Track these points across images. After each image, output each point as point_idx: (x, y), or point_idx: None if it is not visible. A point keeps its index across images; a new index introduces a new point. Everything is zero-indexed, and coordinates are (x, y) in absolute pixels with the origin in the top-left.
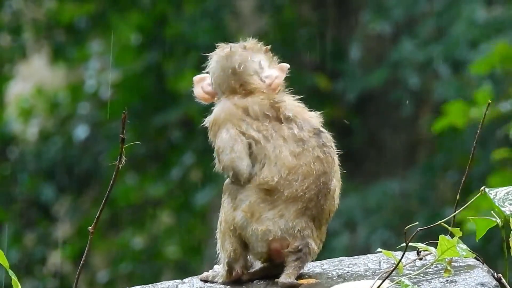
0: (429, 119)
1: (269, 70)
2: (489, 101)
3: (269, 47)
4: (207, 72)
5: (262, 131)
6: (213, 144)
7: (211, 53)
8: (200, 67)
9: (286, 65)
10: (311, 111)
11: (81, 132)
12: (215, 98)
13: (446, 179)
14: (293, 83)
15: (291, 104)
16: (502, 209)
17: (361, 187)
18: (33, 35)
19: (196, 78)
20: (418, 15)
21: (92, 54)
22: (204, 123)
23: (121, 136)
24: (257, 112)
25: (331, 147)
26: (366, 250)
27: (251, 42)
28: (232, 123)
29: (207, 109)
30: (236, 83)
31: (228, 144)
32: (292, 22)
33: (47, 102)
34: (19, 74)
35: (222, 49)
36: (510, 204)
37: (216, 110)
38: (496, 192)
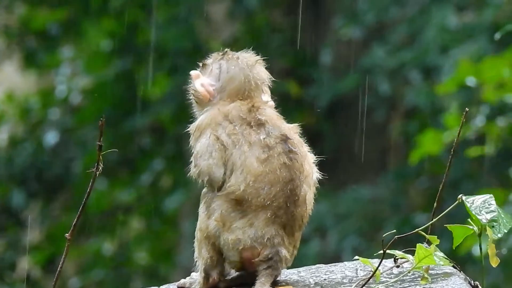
0: (400, 125)
1: (267, 89)
2: (467, 109)
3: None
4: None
5: (232, 135)
6: (191, 149)
7: (215, 56)
8: (171, 72)
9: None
10: (288, 122)
11: (51, 138)
12: (209, 100)
13: (417, 185)
14: None
15: (269, 111)
16: (479, 217)
17: (332, 193)
18: (4, 41)
19: (194, 73)
20: (390, 21)
21: (63, 60)
22: (188, 129)
23: (98, 143)
24: (234, 115)
25: (298, 153)
26: (337, 256)
27: (259, 57)
28: (211, 128)
29: (177, 116)
30: (250, 93)
31: (207, 149)
32: (264, 28)
33: (18, 107)
34: None
35: (238, 57)
36: (487, 213)
37: (202, 116)
38: (473, 200)
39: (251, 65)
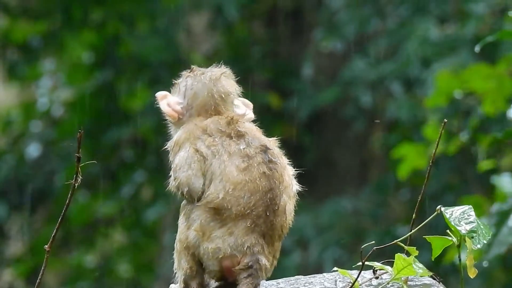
0: (380, 137)
1: (238, 101)
2: (445, 120)
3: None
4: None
5: (211, 147)
6: (170, 164)
7: (184, 74)
8: (152, 85)
9: (250, 103)
10: (268, 133)
11: (33, 150)
12: (179, 118)
13: (398, 197)
14: None
15: (247, 124)
16: (458, 228)
17: (313, 205)
18: None
19: (159, 94)
20: (370, 33)
21: (45, 72)
22: (166, 146)
23: (77, 155)
24: (212, 129)
25: (278, 163)
26: (318, 268)
27: (226, 70)
28: (190, 142)
29: (158, 128)
30: (217, 108)
31: (186, 161)
32: (244, 40)
33: None
34: None
35: (202, 73)
36: (466, 223)
37: (179, 132)
38: (452, 211)
39: (214, 79)
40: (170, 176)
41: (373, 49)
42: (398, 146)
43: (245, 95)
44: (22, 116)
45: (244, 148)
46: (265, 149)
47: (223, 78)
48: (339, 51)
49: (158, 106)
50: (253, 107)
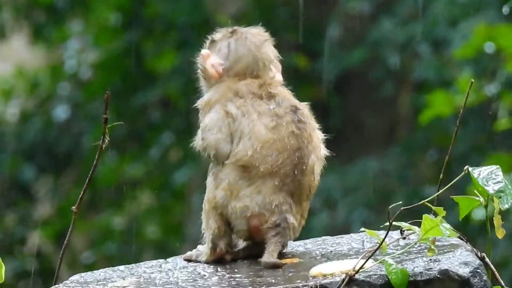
0: (408, 98)
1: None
2: (472, 80)
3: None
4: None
5: (241, 107)
6: (199, 123)
7: (224, 33)
8: (179, 46)
9: (279, 66)
10: (296, 95)
11: (61, 112)
12: (219, 78)
13: (426, 158)
14: None
15: (280, 88)
16: (486, 188)
17: (340, 166)
18: (12, 15)
19: (205, 52)
20: None
21: (72, 34)
22: (196, 104)
23: (104, 116)
24: (244, 91)
25: (308, 123)
26: (346, 229)
27: (268, 36)
28: (221, 104)
29: (186, 90)
30: (258, 73)
31: (216, 124)
32: (271, 2)
33: (27, 82)
34: None
35: (246, 37)
36: (494, 183)
37: (211, 92)
38: (480, 171)
39: (259, 45)
40: (197, 135)
41: (400, 10)
42: (430, 94)
43: None
44: (49, 78)
45: (273, 108)
46: (295, 109)
47: (266, 44)
48: (366, 12)
49: (198, 63)
50: (281, 68)
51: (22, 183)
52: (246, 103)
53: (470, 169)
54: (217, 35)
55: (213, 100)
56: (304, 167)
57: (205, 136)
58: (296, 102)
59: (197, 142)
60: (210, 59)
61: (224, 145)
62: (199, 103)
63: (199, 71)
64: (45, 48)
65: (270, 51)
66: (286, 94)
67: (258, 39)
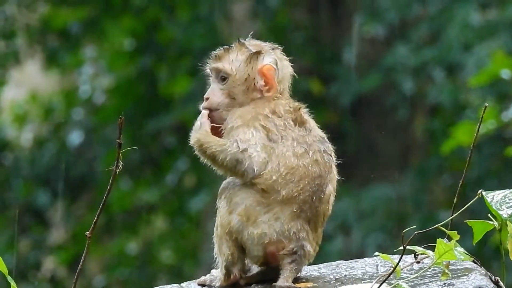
0: (423, 123)
1: None
2: (486, 104)
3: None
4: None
5: (280, 130)
6: (226, 126)
7: (268, 48)
8: (194, 71)
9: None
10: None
11: (75, 137)
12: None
13: (440, 182)
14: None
15: (307, 115)
16: (500, 212)
17: (355, 190)
18: (26, 40)
19: (270, 65)
20: (412, 19)
21: (86, 59)
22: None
23: (118, 141)
24: (282, 111)
25: (331, 156)
26: (360, 253)
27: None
28: (262, 121)
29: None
30: (283, 91)
31: (259, 141)
32: (286, 26)
33: (41, 107)
34: (12, 80)
35: (283, 56)
36: (508, 208)
37: (250, 106)
38: (493, 195)
39: (289, 64)
40: (231, 142)
41: (414, 34)
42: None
43: None
44: (63, 103)
45: (304, 135)
46: (322, 140)
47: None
48: (381, 37)
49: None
50: (295, 93)
51: (37, 208)
52: (284, 126)
53: (484, 193)
54: (256, 46)
55: (249, 116)
56: (322, 195)
57: (247, 149)
58: (323, 134)
59: (231, 145)
60: (274, 73)
61: (264, 165)
62: (236, 114)
63: (248, 80)
64: (59, 74)
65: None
66: (314, 123)
67: (286, 58)
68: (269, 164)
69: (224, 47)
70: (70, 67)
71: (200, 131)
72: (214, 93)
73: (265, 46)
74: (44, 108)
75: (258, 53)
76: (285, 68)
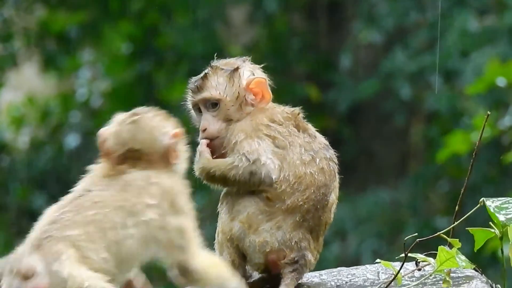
0: (420, 129)
1: None
2: (488, 112)
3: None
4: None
5: (286, 136)
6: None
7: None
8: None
9: None
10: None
11: (72, 140)
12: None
13: (437, 189)
14: (284, 94)
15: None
16: (497, 215)
17: (352, 196)
18: (24, 44)
19: (264, 78)
20: (410, 26)
21: (83, 63)
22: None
23: None
24: (281, 118)
25: (336, 163)
26: (357, 259)
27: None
28: (265, 131)
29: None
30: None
31: (267, 149)
32: (284, 33)
33: (38, 110)
34: (9, 83)
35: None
36: (505, 212)
37: (248, 119)
38: (493, 201)
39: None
40: (238, 157)
41: (412, 41)
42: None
43: (284, 87)
44: (60, 106)
45: (310, 142)
46: (327, 147)
47: None
48: (379, 43)
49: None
50: (293, 99)
51: (33, 211)
52: (289, 133)
53: (485, 201)
54: (232, 64)
55: (254, 126)
56: (326, 203)
57: (258, 158)
58: (325, 140)
59: (241, 164)
60: (264, 83)
61: (279, 171)
62: (237, 129)
63: (239, 97)
64: (56, 77)
65: None
66: (314, 129)
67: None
68: (281, 172)
69: (199, 77)
70: (68, 70)
71: (201, 160)
72: (209, 122)
73: (237, 61)
74: (41, 111)
75: (236, 70)
76: (262, 76)
